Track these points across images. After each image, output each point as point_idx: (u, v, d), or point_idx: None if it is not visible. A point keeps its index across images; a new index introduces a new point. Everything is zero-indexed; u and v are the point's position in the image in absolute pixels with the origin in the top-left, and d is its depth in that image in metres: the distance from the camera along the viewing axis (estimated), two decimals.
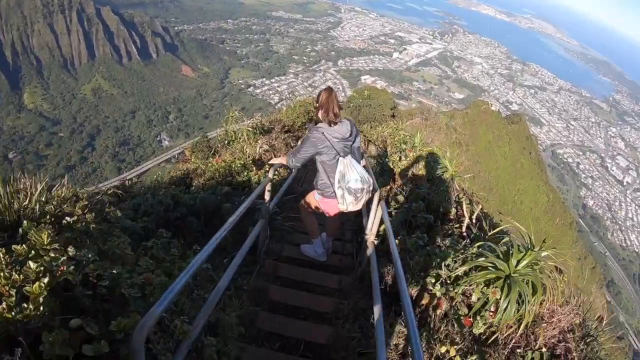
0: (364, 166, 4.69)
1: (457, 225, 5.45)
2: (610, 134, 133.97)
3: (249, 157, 9.88)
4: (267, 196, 4.81)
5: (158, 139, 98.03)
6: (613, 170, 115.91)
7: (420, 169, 7.58)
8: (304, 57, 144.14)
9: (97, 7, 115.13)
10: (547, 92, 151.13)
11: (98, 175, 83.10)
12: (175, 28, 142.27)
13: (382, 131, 13.14)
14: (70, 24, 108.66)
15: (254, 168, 8.40)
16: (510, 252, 3.57)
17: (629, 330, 49.05)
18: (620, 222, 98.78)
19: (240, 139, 11.60)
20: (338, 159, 4.36)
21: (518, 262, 3.50)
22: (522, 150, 30.17)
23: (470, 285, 3.58)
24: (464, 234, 5.16)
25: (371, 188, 4.48)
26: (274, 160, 5.11)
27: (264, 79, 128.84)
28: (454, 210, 5.88)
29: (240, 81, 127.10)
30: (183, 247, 4.06)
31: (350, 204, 4.45)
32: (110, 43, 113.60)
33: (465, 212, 5.50)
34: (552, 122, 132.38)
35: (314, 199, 4.90)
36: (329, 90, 4.39)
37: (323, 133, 4.29)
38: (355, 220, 6.92)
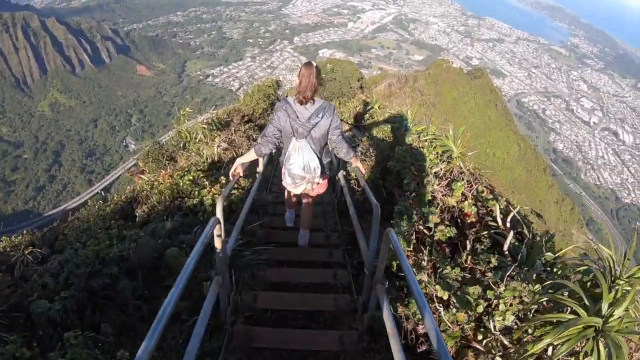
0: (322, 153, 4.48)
1: (484, 233, 3.97)
2: (572, 77, 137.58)
3: (207, 159, 9.16)
4: (217, 243, 3.24)
5: (124, 144, 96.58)
6: (579, 113, 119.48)
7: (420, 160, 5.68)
8: (259, 40, 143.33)
9: (42, 19, 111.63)
10: (505, 44, 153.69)
11: (70, 191, 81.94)
12: (125, 28, 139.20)
13: (356, 106, 12.67)
14: (17, 41, 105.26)
15: (207, 183, 6.54)
16: (597, 289, 2.58)
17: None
18: (592, 162, 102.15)
19: (196, 138, 10.62)
20: (292, 139, 4.22)
21: (610, 306, 2.41)
22: (487, 103, 30.35)
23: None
24: (505, 251, 3.71)
25: (316, 179, 4.37)
26: (240, 160, 4.66)
27: (222, 67, 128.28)
28: (473, 209, 4.34)
29: (198, 72, 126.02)
30: (115, 334, 3.25)
31: (289, 185, 4.46)
32: (61, 54, 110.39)
33: (496, 215, 4.09)
34: (513, 72, 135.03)
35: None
36: (307, 65, 4.16)
37: (286, 109, 4.16)
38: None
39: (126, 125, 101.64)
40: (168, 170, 8.42)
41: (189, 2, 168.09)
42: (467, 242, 3.86)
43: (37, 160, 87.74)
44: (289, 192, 5.36)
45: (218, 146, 9.72)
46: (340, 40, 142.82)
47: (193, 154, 9.68)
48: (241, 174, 4.58)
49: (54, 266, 4.29)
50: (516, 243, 3.80)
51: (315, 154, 4.26)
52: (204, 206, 5.82)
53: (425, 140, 6.06)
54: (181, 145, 10.77)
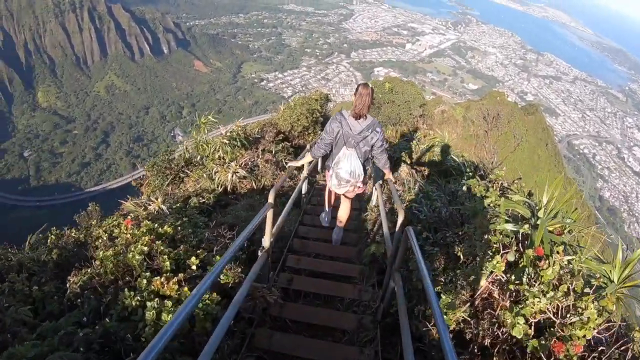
0: (365, 163, 5.20)
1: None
2: (626, 124, 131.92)
3: (218, 186, 7.90)
4: (268, 223, 4.01)
5: (172, 134, 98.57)
6: (630, 162, 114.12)
7: None
8: (317, 50, 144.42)
9: (108, 4, 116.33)
10: (562, 82, 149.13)
11: (113, 172, 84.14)
12: (187, 24, 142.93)
13: (418, 149, 10.44)
14: (82, 22, 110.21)
15: (167, 263, 3.61)
16: None
17: None
18: (637, 214, 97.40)
19: (214, 155, 8.97)
20: (342, 147, 5.02)
21: None
22: (538, 141, 29.76)
23: None
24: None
25: (359, 184, 5.21)
26: (294, 163, 5.96)
27: (277, 73, 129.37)
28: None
29: (252, 75, 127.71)
30: None
31: (333, 185, 5.31)
32: (122, 40, 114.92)
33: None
34: (567, 112, 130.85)
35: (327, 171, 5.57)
36: (365, 86, 4.85)
37: (340, 121, 4.94)
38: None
39: (177, 117, 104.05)
40: (144, 209, 6.20)
41: (251, 5, 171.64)
42: None
43: (86, 138, 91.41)
44: (329, 192, 6.05)
45: (234, 172, 8.16)
46: (397, 61, 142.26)
47: (205, 175, 8.28)
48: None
49: None
50: None
51: (361, 162, 5.05)
52: (145, 315, 2.97)
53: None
54: (199, 158, 9.35)
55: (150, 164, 9.25)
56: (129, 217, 5.01)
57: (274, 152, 9.80)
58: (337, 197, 5.99)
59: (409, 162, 9.95)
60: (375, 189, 6.78)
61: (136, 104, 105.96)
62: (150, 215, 5.42)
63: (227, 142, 9.00)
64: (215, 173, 8.12)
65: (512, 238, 3.29)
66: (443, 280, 3.52)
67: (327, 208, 6.39)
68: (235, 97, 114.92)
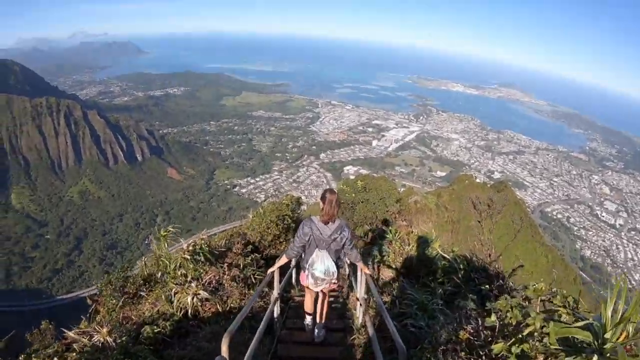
0: (338, 259, 5.64)
1: None
2: (593, 182, 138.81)
3: (177, 311, 6.73)
4: None
5: (146, 242, 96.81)
6: (603, 216, 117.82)
7: None
8: (287, 154, 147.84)
9: (84, 110, 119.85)
10: (525, 155, 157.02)
11: (86, 279, 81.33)
12: (160, 131, 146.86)
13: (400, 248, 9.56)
14: (59, 126, 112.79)
15: None
16: None
17: None
18: (621, 265, 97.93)
19: (176, 271, 7.88)
20: (315, 249, 5.40)
21: None
22: (512, 216, 30.35)
23: None
24: None
25: (334, 281, 5.56)
26: (274, 267, 6.18)
27: (249, 178, 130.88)
28: None
29: (225, 181, 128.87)
30: None
31: (311, 284, 5.62)
32: (97, 146, 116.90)
33: None
34: (535, 183, 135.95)
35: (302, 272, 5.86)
36: (331, 192, 5.36)
37: (311, 227, 5.36)
38: None
39: (151, 224, 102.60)
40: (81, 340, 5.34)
41: (222, 113, 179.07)
42: None
43: (59, 243, 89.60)
44: (308, 296, 6.24)
45: (195, 294, 6.91)
46: (365, 158, 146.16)
47: (163, 297, 7.07)
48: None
49: None
50: None
51: (333, 260, 5.45)
52: None
53: None
54: (158, 276, 8.20)
55: (105, 281, 8.07)
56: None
57: (242, 266, 8.74)
58: (316, 299, 6.27)
59: (389, 264, 9.35)
60: (360, 304, 6.59)
61: (110, 210, 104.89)
62: (92, 351, 4.99)
63: (189, 257, 8.02)
64: (174, 294, 6.96)
65: None
66: None
67: (308, 317, 6.41)
68: (209, 203, 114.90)
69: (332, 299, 8.17)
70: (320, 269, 5.33)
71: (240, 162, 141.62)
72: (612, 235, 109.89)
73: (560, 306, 3.05)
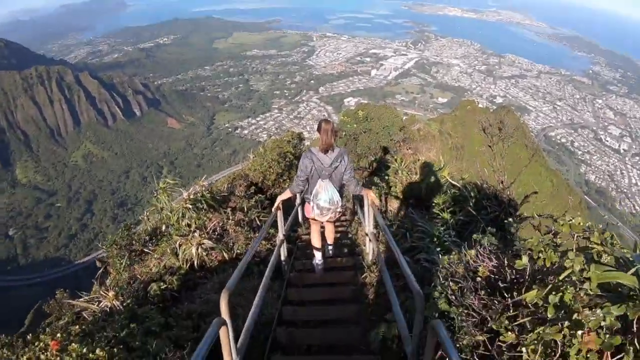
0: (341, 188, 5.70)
1: None
2: (597, 106, 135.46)
3: (184, 263, 6.62)
4: (225, 353, 2.91)
5: (155, 195, 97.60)
6: (608, 141, 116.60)
7: None
8: (285, 91, 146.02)
9: (75, 73, 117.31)
10: (527, 79, 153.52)
11: (101, 240, 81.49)
12: (155, 83, 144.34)
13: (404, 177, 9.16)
14: (52, 94, 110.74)
15: None
16: None
17: None
18: (625, 190, 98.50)
19: (180, 222, 7.67)
20: (318, 179, 5.46)
21: None
22: (515, 141, 30.05)
23: None
24: None
25: (339, 209, 5.63)
26: (277, 202, 6.01)
27: (250, 119, 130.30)
28: None
29: (226, 125, 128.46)
30: None
31: (317, 215, 5.66)
32: (94, 107, 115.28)
33: None
34: (538, 107, 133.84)
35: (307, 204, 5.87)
36: (326, 122, 5.40)
37: (311, 158, 5.40)
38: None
39: (157, 177, 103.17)
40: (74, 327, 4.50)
41: (215, 56, 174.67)
42: None
43: (70, 209, 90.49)
44: (315, 229, 6.34)
45: (199, 245, 6.76)
46: (365, 88, 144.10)
47: (169, 250, 6.93)
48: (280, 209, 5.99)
49: None
50: None
51: (337, 189, 5.52)
52: None
53: None
54: (163, 229, 8.07)
55: (109, 242, 7.90)
56: (57, 337, 3.61)
57: (245, 209, 8.56)
58: (323, 233, 6.52)
59: (397, 195, 9.00)
60: (370, 240, 6.15)
61: (115, 169, 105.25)
62: (96, 320, 4.79)
63: (191, 206, 7.80)
64: (179, 247, 6.75)
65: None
66: None
67: (317, 254, 6.34)
68: (212, 149, 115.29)
69: (339, 234, 8.12)
70: (325, 198, 5.43)
71: (239, 104, 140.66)
72: (616, 160, 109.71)
73: (597, 244, 2.49)
